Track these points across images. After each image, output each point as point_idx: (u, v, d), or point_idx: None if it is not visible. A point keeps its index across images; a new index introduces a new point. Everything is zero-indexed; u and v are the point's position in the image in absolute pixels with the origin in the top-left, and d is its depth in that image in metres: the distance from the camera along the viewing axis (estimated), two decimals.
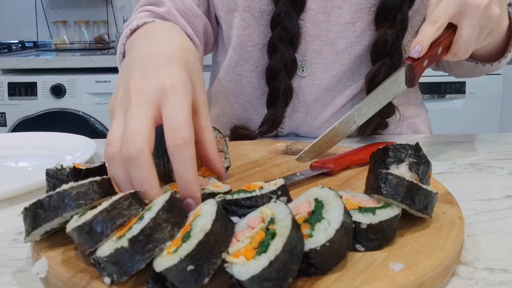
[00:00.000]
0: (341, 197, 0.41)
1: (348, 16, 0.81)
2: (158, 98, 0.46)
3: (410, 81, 0.65)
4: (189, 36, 0.81)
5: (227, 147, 0.60)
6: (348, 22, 0.81)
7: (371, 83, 0.81)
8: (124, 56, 0.75)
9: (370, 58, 0.83)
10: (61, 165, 0.49)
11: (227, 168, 0.61)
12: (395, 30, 0.79)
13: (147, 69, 0.50)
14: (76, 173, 0.49)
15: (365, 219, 0.41)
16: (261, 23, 0.83)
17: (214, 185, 0.51)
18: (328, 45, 0.83)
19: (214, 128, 0.58)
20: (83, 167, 0.51)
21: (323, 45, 0.83)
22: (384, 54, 0.80)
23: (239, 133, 0.88)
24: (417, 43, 0.62)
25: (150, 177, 0.44)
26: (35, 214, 0.42)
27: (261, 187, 0.47)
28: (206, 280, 0.35)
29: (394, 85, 0.66)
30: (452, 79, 1.23)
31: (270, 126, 0.86)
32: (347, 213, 0.40)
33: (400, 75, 0.65)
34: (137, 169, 0.44)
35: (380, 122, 0.86)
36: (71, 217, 0.42)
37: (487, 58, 0.80)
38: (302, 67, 0.85)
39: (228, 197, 0.45)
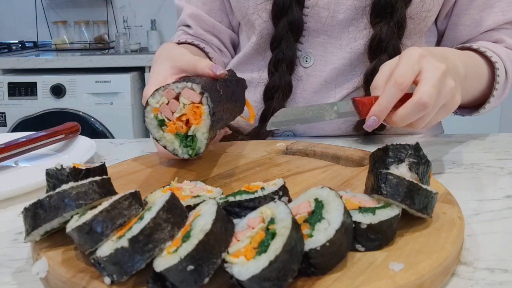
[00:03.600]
0: (341, 197, 0.41)
1: (350, 12, 0.82)
2: None
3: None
4: (217, 47, 0.98)
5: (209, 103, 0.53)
6: (351, 19, 0.83)
7: (368, 80, 0.82)
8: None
9: (368, 55, 0.83)
10: (61, 165, 0.49)
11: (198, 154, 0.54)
12: (390, 27, 0.79)
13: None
14: (76, 173, 0.49)
15: (365, 219, 0.41)
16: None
17: (206, 190, 0.51)
18: (333, 39, 0.85)
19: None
20: (83, 167, 0.51)
21: (327, 39, 0.85)
22: (381, 51, 0.81)
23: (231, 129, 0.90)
24: (374, 114, 0.60)
25: None
26: (35, 214, 0.42)
27: (262, 188, 0.47)
28: (206, 280, 0.35)
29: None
30: None
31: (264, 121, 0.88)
32: (347, 213, 0.40)
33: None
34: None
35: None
36: (71, 217, 0.42)
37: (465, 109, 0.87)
38: (306, 57, 0.87)
39: (231, 198, 0.45)
